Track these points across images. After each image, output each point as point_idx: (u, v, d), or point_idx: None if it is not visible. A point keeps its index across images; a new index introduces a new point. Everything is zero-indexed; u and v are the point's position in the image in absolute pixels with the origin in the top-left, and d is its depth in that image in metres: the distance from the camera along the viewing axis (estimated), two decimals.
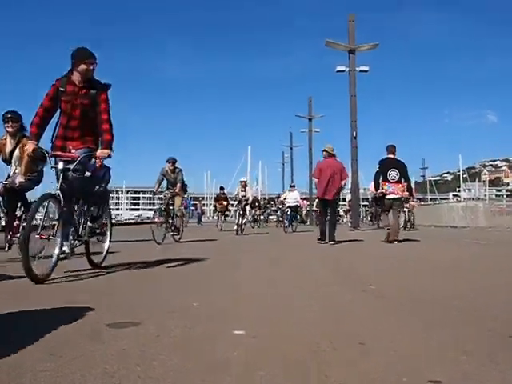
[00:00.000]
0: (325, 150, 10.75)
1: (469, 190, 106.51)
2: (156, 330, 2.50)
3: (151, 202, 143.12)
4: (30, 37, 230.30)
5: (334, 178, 10.32)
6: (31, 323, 2.70)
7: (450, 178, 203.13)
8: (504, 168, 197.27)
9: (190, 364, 1.98)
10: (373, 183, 10.85)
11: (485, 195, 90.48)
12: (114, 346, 2.20)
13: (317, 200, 17.79)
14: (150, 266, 5.59)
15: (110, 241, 5.53)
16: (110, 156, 4.70)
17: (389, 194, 10.34)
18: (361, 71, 21.96)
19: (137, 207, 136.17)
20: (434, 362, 2.01)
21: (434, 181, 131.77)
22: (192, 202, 38.15)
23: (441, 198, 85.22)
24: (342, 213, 35.75)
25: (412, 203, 19.06)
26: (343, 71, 21.96)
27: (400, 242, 10.15)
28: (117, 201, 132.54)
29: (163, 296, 3.66)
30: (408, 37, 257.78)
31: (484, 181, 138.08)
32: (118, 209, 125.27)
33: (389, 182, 10.34)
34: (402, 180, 10.44)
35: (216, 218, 23.37)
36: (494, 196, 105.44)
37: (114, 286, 4.24)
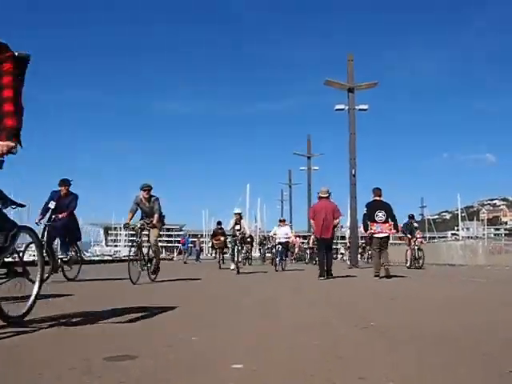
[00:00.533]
0: (318, 194, 12.03)
1: (467, 228, 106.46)
2: (154, 363, 2.48)
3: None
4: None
5: (327, 218, 11.24)
6: None
7: (448, 216, 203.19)
8: (502, 207, 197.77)
9: None
10: (362, 225, 11.90)
11: (483, 234, 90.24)
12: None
13: (313, 237, 18.32)
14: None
15: (40, 285, 3.96)
16: (12, 151, 3.12)
17: (378, 233, 11.19)
18: (360, 110, 22.17)
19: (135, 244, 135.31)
20: None
21: (433, 219, 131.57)
22: (190, 239, 37.96)
23: (439, 237, 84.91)
24: (343, 250, 35.63)
25: (419, 239, 18.41)
26: (342, 109, 22.17)
27: (390, 277, 10.50)
28: (115, 237, 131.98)
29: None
30: (408, 76, 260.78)
31: (482, 220, 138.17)
32: (116, 245, 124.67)
33: (376, 222, 11.19)
34: (389, 220, 11.25)
35: (214, 254, 22.77)
36: (492, 235, 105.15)
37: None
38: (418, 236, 18.34)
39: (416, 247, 17.77)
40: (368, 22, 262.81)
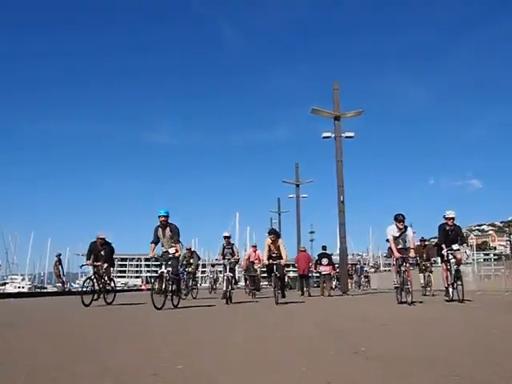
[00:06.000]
0: (300, 249, 22.20)
1: None
2: None
3: (138, 269, 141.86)
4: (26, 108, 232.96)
5: (303, 263, 19.80)
6: None
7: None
8: (490, 232, 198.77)
9: None
10: (313, 265, 20.04)
11: (473, 259, 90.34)
12: None
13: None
14: None
15: None
16: None
17: (323, 271, 19.16)
18: (346, 137, 22.27)
19: (123, 274, 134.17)
20: None
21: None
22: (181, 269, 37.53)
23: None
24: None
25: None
26: (329, 137, 22.24)
27: (331, 296, 17.88)
28: None
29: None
30: (393, 103, 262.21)
31: (471, 245, 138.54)
32: None
33: (322, 265, 19.18)
34: (330, 264, 19.54)
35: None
36: (481, 260, 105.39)
37: None
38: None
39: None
40: (354, 48, 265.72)
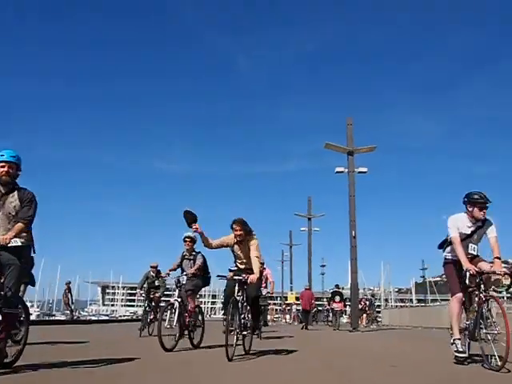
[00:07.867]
0: (305, 287, 25.68)
1: None
2: None
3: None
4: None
5: (306, 299, 23.80)
6: None
7: None
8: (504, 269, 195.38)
9: None
10: (328, 301, 25.71)
11: None
12: None
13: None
14: None
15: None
16: None
17: (335, 307, 22.51)
18: (359, 172, 22.21)
19: (132, 303, 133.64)
20: None
21: (434, 281, 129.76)
22: None
23: (441, 300, 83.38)
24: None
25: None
26: (342, 172, 22.21)
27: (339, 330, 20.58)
28: (112, 296, 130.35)
29: None
30: (405, 137, 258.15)
31: None
32: (113, 305, 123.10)
33: (335, 302, 22.63)
34: (342, 301, 23.01)
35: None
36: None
37: None
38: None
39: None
40: (367, 81, 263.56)
